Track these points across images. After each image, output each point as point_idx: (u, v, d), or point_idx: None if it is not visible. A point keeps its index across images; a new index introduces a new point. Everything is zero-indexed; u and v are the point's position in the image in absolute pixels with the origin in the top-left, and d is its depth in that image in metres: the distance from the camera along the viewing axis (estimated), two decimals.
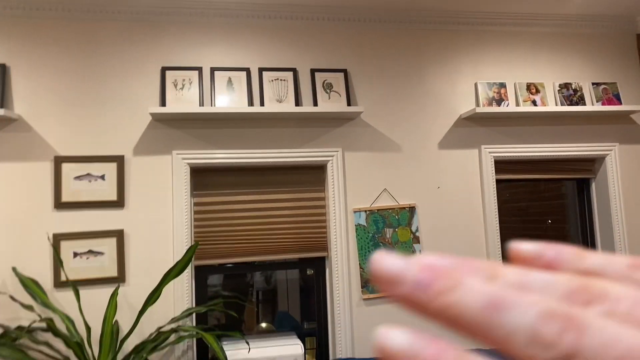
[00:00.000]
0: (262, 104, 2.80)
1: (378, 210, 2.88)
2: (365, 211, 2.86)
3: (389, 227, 2.87)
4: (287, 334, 2.78)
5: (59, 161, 2.59)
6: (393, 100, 3.00)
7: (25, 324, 2.48)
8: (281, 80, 2.85)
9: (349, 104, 2.88)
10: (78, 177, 2.61)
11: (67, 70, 2.67)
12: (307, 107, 2.73)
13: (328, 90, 2.88)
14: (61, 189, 2.58)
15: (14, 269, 2.44)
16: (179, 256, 2.65)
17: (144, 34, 2.77)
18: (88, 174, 2.62)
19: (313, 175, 2.92)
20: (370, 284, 2.81)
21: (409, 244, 2.88)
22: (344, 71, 2.92)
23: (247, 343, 2.48)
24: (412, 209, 2.91)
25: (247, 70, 2.82)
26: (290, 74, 2.86)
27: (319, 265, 2.93)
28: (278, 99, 2.82)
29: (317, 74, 2.89)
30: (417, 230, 2.90)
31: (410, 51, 3.06)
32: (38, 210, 2.56)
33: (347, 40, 2.99)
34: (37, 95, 2.62)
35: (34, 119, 2.61)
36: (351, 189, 2.89)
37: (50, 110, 2.63)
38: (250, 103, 2.79)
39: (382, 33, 3.04)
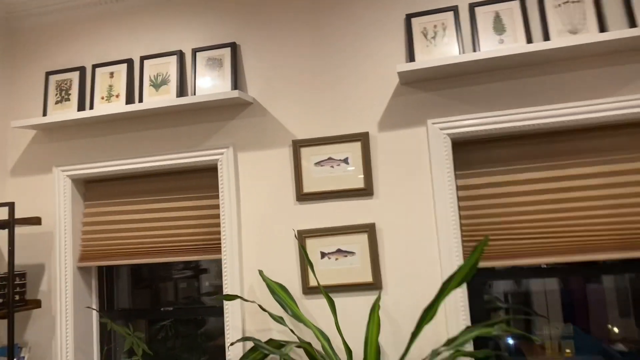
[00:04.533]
0: (546, 38, 1.97)
1: None
2: None
3: None
4: None
5: (297, 145, 2.20)
6: None
7: (276, 335, 2.14)
8: (573, 2, 1.98)
9: None
10: (319, 163, 2.18)
11: (297, 42, 2.27)
12: (617, 32, 1.80)
13: None
14: (301, 178, 2.18)
15: (260, 273, 2.11)
16: (446, 256, 2.00)
17: None
18: (329, 158, 2.18)
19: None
20: None
21: None
22: None
23: None
24: None
25: None
26: None
27: None
28: (571, 29, 1.96)
29: None
30: None
31: None
32: (280, 204, 2.21)
33: None
34: (269, 74, 2.29)
35: (268, 101, 2.28)
36: None
37: (284, 89, 2.26)
38: (529, 40, 1.99)
39: None
